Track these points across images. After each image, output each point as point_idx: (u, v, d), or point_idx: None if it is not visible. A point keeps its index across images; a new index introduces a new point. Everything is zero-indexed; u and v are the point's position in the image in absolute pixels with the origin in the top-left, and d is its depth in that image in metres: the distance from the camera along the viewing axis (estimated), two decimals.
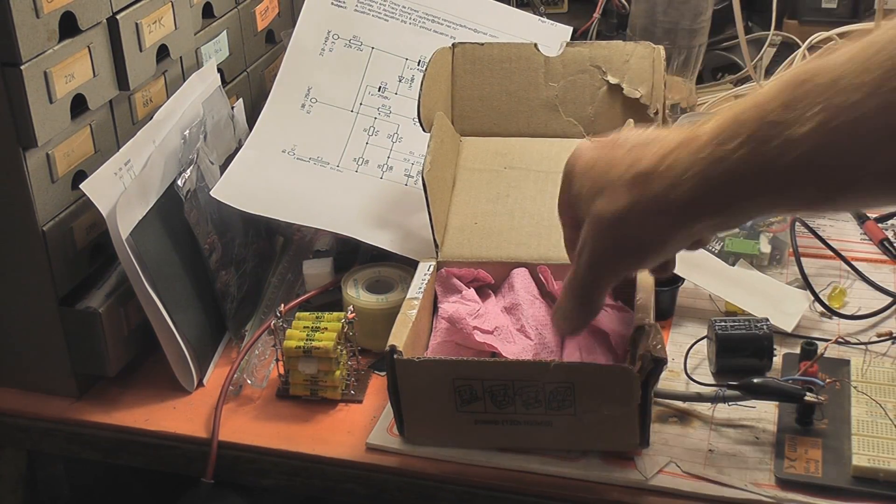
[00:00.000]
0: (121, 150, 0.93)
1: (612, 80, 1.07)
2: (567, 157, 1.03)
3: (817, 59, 0.62)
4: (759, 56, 1.41)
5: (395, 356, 0.82)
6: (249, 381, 0.96)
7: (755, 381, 0.87)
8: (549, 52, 1.08)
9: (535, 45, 1.08)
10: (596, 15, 1.36)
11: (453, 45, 1.08)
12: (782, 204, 0.65)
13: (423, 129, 1.01)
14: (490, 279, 0.96)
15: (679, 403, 0.90)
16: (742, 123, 0.63)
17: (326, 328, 0.93)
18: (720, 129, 0.64)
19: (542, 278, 0.95)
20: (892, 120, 0.57)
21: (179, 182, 0.95)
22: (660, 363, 0.79)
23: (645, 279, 0.91)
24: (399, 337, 0.84)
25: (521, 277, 0.95)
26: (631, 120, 1.06)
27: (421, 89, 1.02)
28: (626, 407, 0.81)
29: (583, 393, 0.81)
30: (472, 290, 0.95)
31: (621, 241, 0.71)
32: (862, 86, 0.58)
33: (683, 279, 1.01)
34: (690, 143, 0.66)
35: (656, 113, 1.09)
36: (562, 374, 0.80)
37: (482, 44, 1.09)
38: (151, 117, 0.97)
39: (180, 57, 1.05)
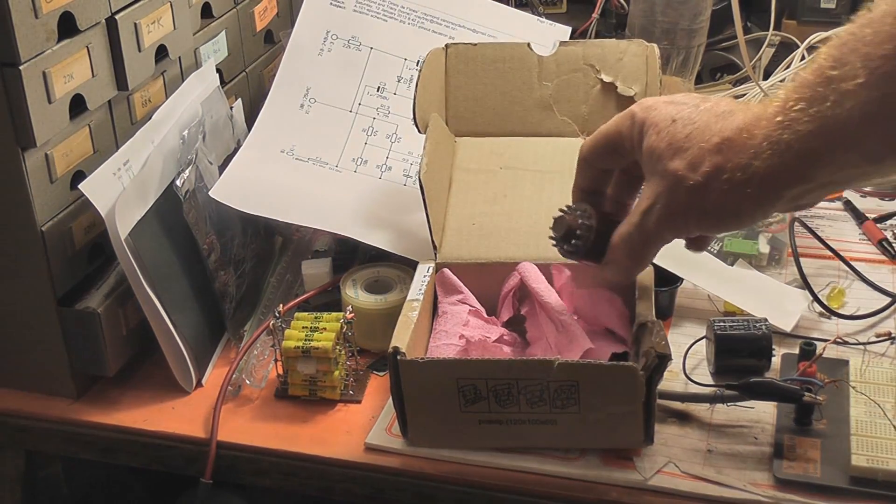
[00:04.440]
0: (119, 151, 0.93)
1: (606, 79, 1.07)
2: (561, 157, 1.03)
3: (862, 15, 0.63)
4: (757, 56, 1.41)
5: (398, 357, 0.82)
6: (248, 382, 0.96)
7: (754, 381, 0.87)
8: (542, 52, 1.08)
9: (529, 44, 1.08)
10: (595, 15, 1.36)
11: (446, 45, 1.08)
12: (854, 165, 0.66)
13: (419, 131, 1.01)
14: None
15: (678, 404, 0.90)
16: (804, 85, 0.65)
17: (325, 328, 0.93)
18: (787, 96, 0.66)
19: (555, 276, 0.95)
20: None
21: (178, 182, 0.95)
22: (664, 359, 0.79)
23: (645, 279, 0.91)
24: (401, 338, 0.84)
25: (530, 270, 0.95)
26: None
27: (416, 91, 1.02)
28: (630, 405, 0.81)
29: (587, 391, 0.81)
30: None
31: (699, 205, 0.71)
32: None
33: (682, 279, 1.01)
34: (766, 112, 0.67)
35: None
36: (566, 373, 0.80)
37: (475, 44, 1.08)
38: (150, 117, 0.97)
39: (179, 57, 1.05)
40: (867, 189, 1.23)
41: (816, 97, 0.63)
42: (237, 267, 1.03)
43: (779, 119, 0.66)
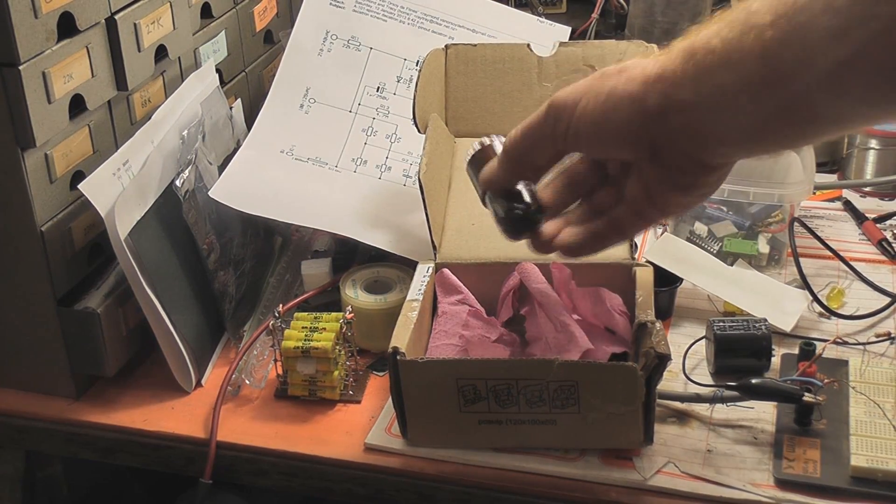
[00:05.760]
0: (119, 151, 0.93)
1: None
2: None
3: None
4: None
5: (397, 357, 0.82)
6: (248, 382, 0.96)
7: (753, 381, 0.87)
8: (542, 53, 1.08)
9: (528, 45, 1.08)
10: (594, 15, 1.36)
11: (446, 46, 1.08)
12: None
13: (419, 131, 1.02)
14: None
15: (677, 404, 0.90)
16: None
17: (325, 328, 0.93)
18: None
19: (555, 275, 0.95)
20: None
21: (178, 182, 0.95)
22: (664, 359, 0.79)
23: (644, 279, 0.91)
24: (401, 338, 0.84)
25: (530, 270, 0.94)
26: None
27: (415, 91, 1.02)
28: (630, 405, 0.81)
29: (587, 391, 0.81)
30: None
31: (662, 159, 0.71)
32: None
33: (682, 279, 1.01)
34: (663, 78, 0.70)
35: None
36: (565, 373, 0.80)
37: (475, 45, 1.09)
38: (150, 118, 0.97)
39: (179, 57, 1.05)
40: (867, 189, 1.23)
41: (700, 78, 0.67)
42: (237, 267, 1.03)
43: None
